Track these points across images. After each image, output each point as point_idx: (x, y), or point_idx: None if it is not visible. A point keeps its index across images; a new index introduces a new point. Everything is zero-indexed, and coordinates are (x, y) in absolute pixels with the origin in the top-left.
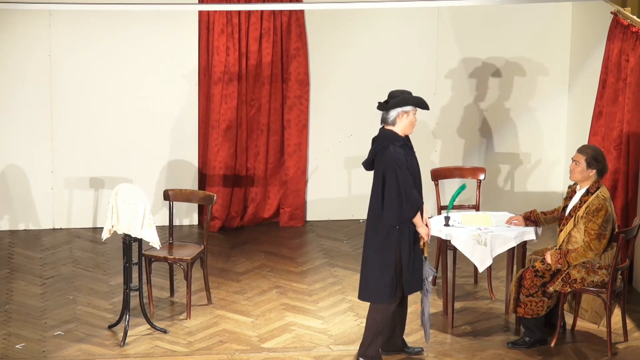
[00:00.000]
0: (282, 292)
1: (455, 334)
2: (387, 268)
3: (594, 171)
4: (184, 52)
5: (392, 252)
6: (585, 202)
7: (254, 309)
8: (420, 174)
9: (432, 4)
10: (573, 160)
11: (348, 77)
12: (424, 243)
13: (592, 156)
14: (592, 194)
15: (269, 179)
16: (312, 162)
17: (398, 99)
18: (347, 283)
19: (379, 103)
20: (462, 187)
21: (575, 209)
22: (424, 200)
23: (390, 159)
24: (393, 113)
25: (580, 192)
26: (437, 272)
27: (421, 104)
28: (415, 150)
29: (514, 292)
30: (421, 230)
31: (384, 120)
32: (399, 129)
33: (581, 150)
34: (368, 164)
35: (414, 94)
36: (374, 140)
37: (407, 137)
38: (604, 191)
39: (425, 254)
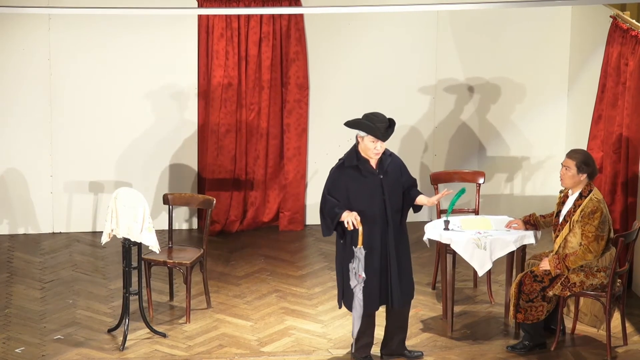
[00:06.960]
0: (282, 296)
1: (454, 338)
2: (338, 275)
3: (585, 175)
4: (183, 56)
5: (339, 262)
6: (579, 206)
7: (254, 313)
8: (377, 193)
9: (431, 8)
10: (563, 165)
11: (347, 81)
12: (348, 222)
13: (582, 160)
14: (586, 197)
15: (269, 182)
16: (312, 166)
17: (352, 121)
18: None
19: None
20: (462, 191)
21: (570, 213)
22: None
23: (327, 178)
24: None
25: (573, 197)
26: (364, 276)
27: (371, 130)
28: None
29: (514, 297)
30: (343, 217)
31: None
32: (360, 149)
33: (570, 155)
34: None
35: (414, 97)
36: None
37: (388, 155)
38: (597, 193)
39: (359, 245)
